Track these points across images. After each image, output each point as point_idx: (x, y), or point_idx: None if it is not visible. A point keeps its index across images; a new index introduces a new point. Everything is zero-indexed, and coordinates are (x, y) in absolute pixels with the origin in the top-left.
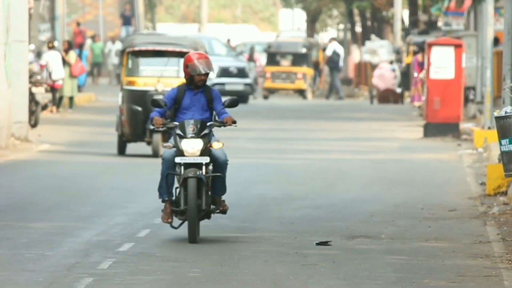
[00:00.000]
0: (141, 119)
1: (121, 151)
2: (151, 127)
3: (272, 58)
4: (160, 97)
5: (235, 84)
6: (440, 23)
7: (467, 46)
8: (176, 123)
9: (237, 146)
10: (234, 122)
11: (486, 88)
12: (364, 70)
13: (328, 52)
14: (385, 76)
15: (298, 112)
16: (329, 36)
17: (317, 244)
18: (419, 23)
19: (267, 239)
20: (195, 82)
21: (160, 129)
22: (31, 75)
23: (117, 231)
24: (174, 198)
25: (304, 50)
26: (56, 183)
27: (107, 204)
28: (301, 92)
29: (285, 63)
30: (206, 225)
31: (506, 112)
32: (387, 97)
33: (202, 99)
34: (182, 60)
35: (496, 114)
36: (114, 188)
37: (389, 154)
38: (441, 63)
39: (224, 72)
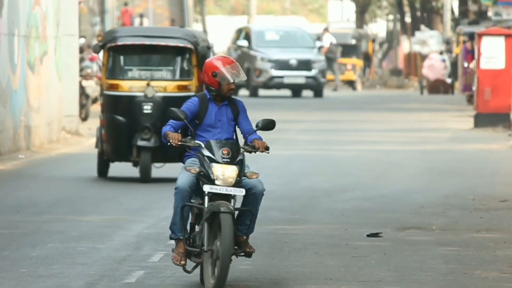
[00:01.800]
0: (126, 133)
1: (102, 172)
2: (166, 142)
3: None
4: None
5: (295, 77)
6: (490, 13)
7: None
8: (199, 142)
9: (287, 137)
10: (267, 148)
11: None
12: (414, 60)
13: (326, 43)
14: (435, 66)
15: (348, 103)
16: (322, 27)
17: (368, 235)
18: (469, 13)
19: (317, 231)
20: (222, 93)
21: (176, 146)
22: (82, 68)
23: (167, 224)
24: (187, 235)
25: (353, 41)
26: (106, 177)
27: (157, 197)
28: (350, 83)
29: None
30: (258, 217)
31: None
32: (437, 87)
33: (229, 114)
34: (179, 59)
35: None
36: (164, 181)
37: (439, 145)
38: (492, 53)
39: (283, 65)
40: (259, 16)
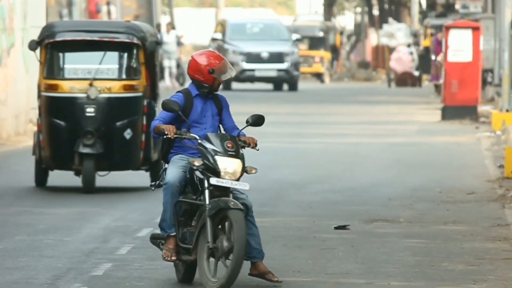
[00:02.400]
0: (66, 138)
1: (40, 181)
2: (158, 136)
3: None
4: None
5: (267, 70)
6: (457, 6)
7: (484, 29)
8: (195, 135)
9: (256, 130)
10: (256, 144)
11: (504, 71)
12: (382, 53)
13: None
14: (403, 59)
15: (316, 96)
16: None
17: (336, 228)
18: (436, 6)
19: (285, 223)
20: (213, 88)
21: (172, 138)
22: None
23: (135, 217)
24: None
25: (321, 34)
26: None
27: (125, 190)
28: (318, 76)
29: (303, 47)
30: None
31: None
32: (404, 80)
33: (213, 108)
34: (124, 56)
35: None
36: (133, 173)
37: (407, 137)
38: (459, 46)
39: (255, 58)
40: (227, 9)
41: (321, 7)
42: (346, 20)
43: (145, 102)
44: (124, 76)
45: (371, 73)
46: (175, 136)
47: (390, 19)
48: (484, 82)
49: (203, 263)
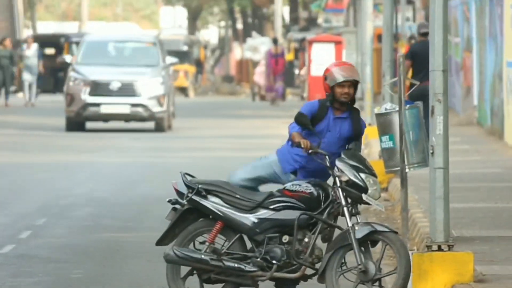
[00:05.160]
0: None
1: None
2: (291, 145)
3: None
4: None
5: (116, 105)
6: (320, 20)
7: (347, 43)
8: (325, 151)
9: (120, 145)
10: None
11: (366, 85)
12: (246, 67)
13: None
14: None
15: (181, 110)
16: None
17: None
18: (299, 20)
19: (150, 238)
20: (337, 98)
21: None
22: None
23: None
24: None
25: (185, 48)
26: None
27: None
28: (183, 90)
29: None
30: (88, 225)
31: (386, 109)
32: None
33: (345, 127)
34: None
35: (376, 111)
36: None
37: (272, 151)
38: (322, 59)
39: (101, 89)
40: (90, 22)
41: (185, 21)
42: (210, 34)
43: None
44: None
45: (235, 87)
46: (310, 151)
47: (254, 33)
48: None
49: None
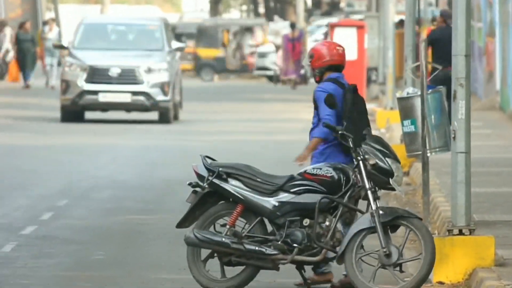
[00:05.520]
0: None
1: None
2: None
3: (178, 39)
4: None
5: (116, 93)
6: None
7: (369, 27)
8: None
9: (141, 128)
10: None
11: (388, 69)
12: None
13: None
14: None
15: (202, 93)
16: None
17: None
18: (321, 4)
19: (171, 220)
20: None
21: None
22: None
23: (19, 214)
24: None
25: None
26: None
27: (9, 187)
28: None
29: (190, 44)
30: (109, 207)
31: (408, 93)
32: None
33: None
34: None
35: (398, 95)
36: (17, 170)
37: (292, 135)
38: (344, 44)
39: (100, 76)
40: (112, 6)
41: (207, 4)
42: (232, 18)
43: None
44: None
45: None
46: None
47: (276, 17)
48: (369, 80)
49: (355, 269)
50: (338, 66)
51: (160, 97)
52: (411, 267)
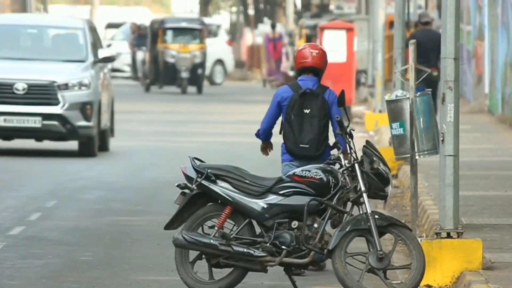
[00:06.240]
0: None
1: None
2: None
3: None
4: None
5: (23, 116)
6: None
7: (358, 30)
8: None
9: (130, 128)
10: None
11: (377, 72)
12: (257, 53)
13: None
14: None
15: (192, 95)
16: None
17: None
18: (311, 6)
19: (159, 222)
20: None
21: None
22: None
23: (7, 215)
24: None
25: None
26: None
27: None
28: None
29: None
30: (98, 208)
31: (396, 96)
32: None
33: None
34: None
35: (387, 97)
36: (5, 171)
37: (280, 137)
38: (333, 46)
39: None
40: (102, 7)
41: (197, 5)
42: (222, 19)
43: None
44: None
45: (246, 72)
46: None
47: (265, 19)
48: (358, 83)
49: (345, 266)
50: (312, 68)
51: (80, 122)
52: (399, 273)
